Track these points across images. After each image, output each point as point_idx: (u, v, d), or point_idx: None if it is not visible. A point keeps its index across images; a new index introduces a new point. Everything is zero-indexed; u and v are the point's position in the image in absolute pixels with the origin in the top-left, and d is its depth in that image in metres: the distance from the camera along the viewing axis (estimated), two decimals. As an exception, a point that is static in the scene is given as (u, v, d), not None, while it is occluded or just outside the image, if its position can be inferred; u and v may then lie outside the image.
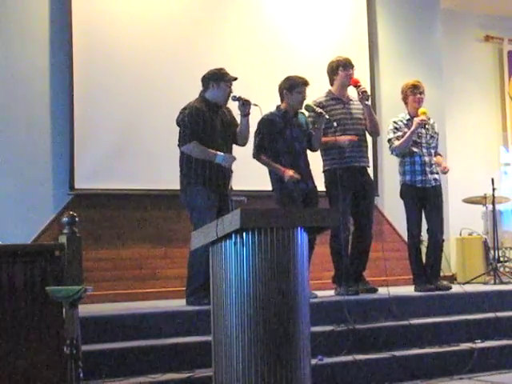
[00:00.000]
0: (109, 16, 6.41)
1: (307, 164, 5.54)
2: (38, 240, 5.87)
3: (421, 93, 5.88)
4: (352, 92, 5.85)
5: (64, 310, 3.50)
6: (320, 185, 5.68)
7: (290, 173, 5.30)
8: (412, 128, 5.75)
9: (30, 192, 6.00)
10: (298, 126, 5.49)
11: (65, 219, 3.90)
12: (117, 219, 6.32)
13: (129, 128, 6.35)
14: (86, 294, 3.43)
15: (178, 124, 5.18)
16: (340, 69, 5.72)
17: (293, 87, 5.41)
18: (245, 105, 5.12)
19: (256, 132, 5.43)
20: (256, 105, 5.13)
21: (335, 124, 5.48)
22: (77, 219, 3.91)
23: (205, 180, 5.09)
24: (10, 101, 6.04)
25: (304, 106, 5.46)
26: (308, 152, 5.62)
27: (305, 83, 5.42)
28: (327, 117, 5.40)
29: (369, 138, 6.09)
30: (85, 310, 4.20)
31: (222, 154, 5.07)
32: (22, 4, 6.17)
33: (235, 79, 5.21)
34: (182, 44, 6.64)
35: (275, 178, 5.44)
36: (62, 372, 3.56)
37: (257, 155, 5.42)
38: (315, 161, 5.74)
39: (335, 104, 5.72)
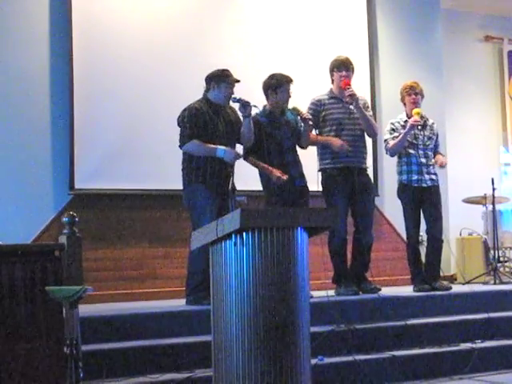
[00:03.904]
0: (109, 15, 6.41)
1: (297, 161, 5.50)
2: (38, 240, 5.87)
3: (416, 94, 5.87)
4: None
5: (64, 310, 3.51)
6: (314, 183, 5.65)
7: (277, 174, 5.26)
8: (406, 130, 5.75)
9: (30, 192, 6.00)
10: (285, 123, 5.46)
11: (65, 219, 3.91)
12: (117, 219, 6.32)
13: (129, 128, 6.35)
14: (86, 294, 3.43)
15: (179, 125, 5.19)
16: (335, 70, 5.74)
17: (278, 86, 5.39)
18: (245, 106, 5.11)
19: None
20: (256, 106, 5.14)
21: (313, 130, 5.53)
22: (77, 219, 3.92)
23: (205, 179, 5.09)
24: (10, 101, 6.04)
25: (291, 108, 5.44)
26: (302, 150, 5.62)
27: (289, 81, 5.40)
28: (311, 122, 5.38)
29: (369, 139, 6.08)
30: (85, 310, 4.20)
31: (223, 147, 5.05)
32: (22, 3, 6.17)
33: (237, 81, 5.18)
34: (184, 43, 6.63)
35: (264, 177, 5.42)
36: (61, 372, 3.57)
37: (245, 156, 5.41)
38: (310, 159, 5.73)
39: (334, 103, 5.72)
